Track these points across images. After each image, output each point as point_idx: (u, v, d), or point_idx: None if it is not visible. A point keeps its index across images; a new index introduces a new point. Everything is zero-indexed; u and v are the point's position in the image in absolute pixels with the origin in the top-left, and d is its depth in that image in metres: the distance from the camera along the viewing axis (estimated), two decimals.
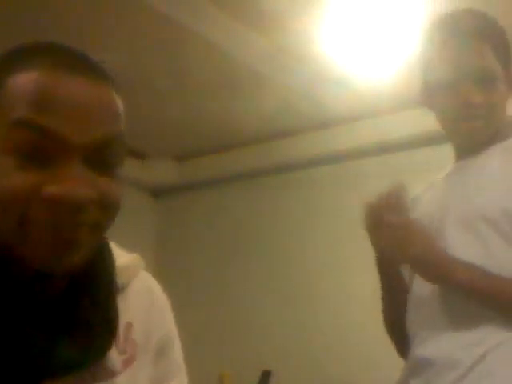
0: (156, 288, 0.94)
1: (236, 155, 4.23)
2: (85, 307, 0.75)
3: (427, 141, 3.51)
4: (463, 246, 1.28)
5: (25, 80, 0.69)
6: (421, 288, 1.36)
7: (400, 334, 1.46)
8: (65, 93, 0.68)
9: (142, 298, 0.88)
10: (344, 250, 3.76)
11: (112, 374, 0.77)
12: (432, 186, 1.52)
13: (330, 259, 3.81)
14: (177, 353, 0.94)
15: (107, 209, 0.71)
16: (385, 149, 3.69)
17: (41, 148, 0.67)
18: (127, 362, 0.80)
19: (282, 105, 3.55)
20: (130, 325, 0.82)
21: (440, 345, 1.29)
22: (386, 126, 3.60)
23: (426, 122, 3.57)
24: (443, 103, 1.40)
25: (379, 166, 3.73)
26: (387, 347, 3.78)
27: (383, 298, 1.50)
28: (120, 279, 0.82)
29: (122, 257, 0.85)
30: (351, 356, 3.60)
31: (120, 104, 0.74)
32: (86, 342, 0.72)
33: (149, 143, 4.26)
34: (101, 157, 0.70)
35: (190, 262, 4.39)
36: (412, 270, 1.37)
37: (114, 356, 0.77)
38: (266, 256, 4.11)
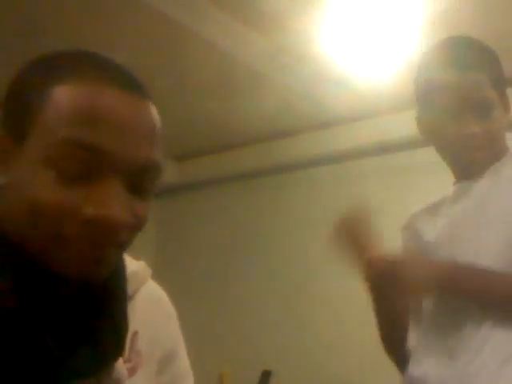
0: (163, 296, 0.94)
1: (236, 155, 4.23)
2: (96, 315, 0.74)
3: (427, 141, 3.51)
4: None
5: (72, 95, 0.67)
6: (435, 313, 1.37)
7: (401, 352, 1.46)
8: (112, 111, 0.67)
9: (149, 307, 0.87)
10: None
11: (118, 382, 0.77)
12: (434, 209, 1.52)
13: (330, 259, 3.80)
14: (182, 362, 0.94)
15: (134, 233, 0.72)
16: (385, 149, 3.69)
17: (85, 166, 0.66)
18: (131, 371, 0.80)
19: (282, 105, 3.55)
20: (136, 333, 0.82)
21: (433, 363, 1.31)
22: (386, 126, 3.59)
23: None
24: (443, 133, 1.44)
25: (379, 166, 3.73)
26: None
27: (381, 320, 1.50)
28: (129, 287, 0.82)
29: (131, 264, 0.85)
30: (351, 356, 3.60)
31: (159, 128, 0.74)
32: (95, 350, 0.72)
33: None
34: (140, 180, 0.70)
35: (189, 262, 4.39)
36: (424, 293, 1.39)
37: (120, 365, 0.77)
38: (266, 256, 4.11)
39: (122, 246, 0.72)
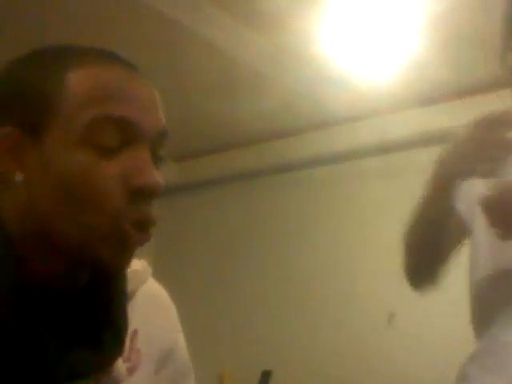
0: (163, 295, 0.93)
1: (236, 155, 4.23)
2: (96, 314, 0.74)
3: (427, 141, 3.51)
4: None
5: (89, 76, 0.70)
6: None
7: (433, 255, 1.31)
8: (133, 86, 0.72)
9: (149, 306, 0.87)
10: (344, 249, 3.76)
11: (117, 382, 0.77)
12: None
13: (330, 259, 3.81)
14: (182, 359, 0.93)
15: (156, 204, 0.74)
16: (385, 149, 3.69)
17: (119, 138, 0.69)
18: (130, 370, 0.80)
19: (281, 105, 3.55)
20: (135, 333, 0.82)
21: None
22: (386, 125, 3.60)
23: (426, 121, 3.61)
24: None
25: (379, 166, 3.73)
26: (386, 347, 3.77)
27: (419, 217, 1.34)
28: (129, 286, 0.81)
29: (132, 263, 0.85)
30: (351, 356, 3.60)
31: None
32: (94, 350, 0.72)
33: None
34: (158, 148, 0.74)
35: (189, 262, 4.39)
36: None
37: (120, 364, 0.77)
38: (266, 256, 4.11)
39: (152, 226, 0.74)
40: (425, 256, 1.33)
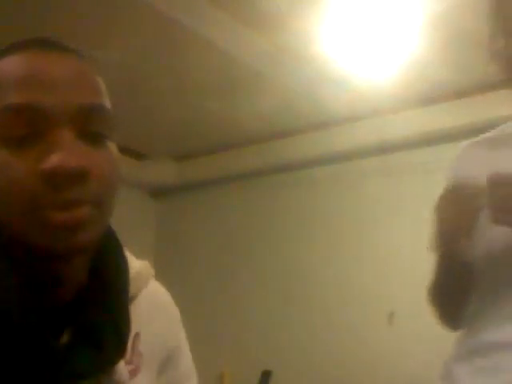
0: (166, 297, 0.93)
1: (235, 155, 4.23)
2: (97, 316, 0.74)
3: (427, 141, 3.51)
4: None
5: (2, 66, 0.70)
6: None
7: (454, 302, 1.33)
8: (42, 68, 0.69)
9: (151, 308, 0.86)
10: (344, 250, 3.76)
11: None
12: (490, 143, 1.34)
13: (330, 259, 3.81)
14: (185, 363, 0.93)
15: (104, 183, 0.70)
16: (385, 149, 3.69)
17: (28, 127, 0.67)
18: (132, 373, 0.80)
19: (281, 105, 3.55)
20: (137, 335, 0.81)
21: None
22: (386, 125, 3.60)
23: (426, 121, 3.61)
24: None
25: (379, 166, 3.73)
26: (386, 347, 3.76)
27: (441, 270, 1.33)
28: (131, 288, 0.81)
29: (134, 264, 0.84)
30: (350, 356, 3.60)
31: (100, 80, 0.74)
32: (96, 351, 0.71)
33: (148, 143, 4.26)
34: (89, 128, 0.70)
35: (189, 262, 4.39)
36: None
37: (122, 366, 0.77)
38: (266, 256, 4.11)
39: (97, 205, 0.70)
40: (458, 305, 1.35)
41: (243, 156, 4.20)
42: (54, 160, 0.66)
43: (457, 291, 1.32)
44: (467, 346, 1.25)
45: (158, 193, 4.72)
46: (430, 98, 3.42)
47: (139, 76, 3.23)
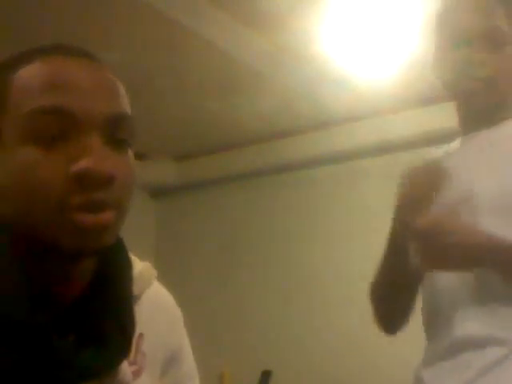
0: (168, 299, 0.94)
1: (235, 155, 4.23)
2: (102, 316, 0.74)
3: (428, 141, 3.51)
4: (501, 232, 1.19)
5: (30, 71, 0.71)
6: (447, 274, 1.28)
7: (392, 308, 1.41)
8: (71, 74, 0.71)
9: (154, 309, 0.87)
10: (344, 250, 3.76)
11: None
12: (448, 158, 1.40)
13: (331, 259, 3.81)
14: (187, 364, 0.93)
15: (125, 188, 0.73)
16: (385, 149, 3.69)
17: (57, 130, 0.69)
18: (136, 374, 0.80)
19: (281, 105, 3.55)
20: (141, 336, 0.82)
21: (477, 325, 1.23)
22: (386, 125, 3.59)
23: (427, 121, 3.60)
24: (444, 60, 1.32)
25: (379, 166, 3.73)
26: (387, 348, 3.77)
27: (383, 271, 1.41)
28: (134, 288, 0.81)
29: (136, 265, 0.85)
30: (351, 356, 3.60)
31: (123, 89, 0.77)
32: (101, 351, 0.72)
33: (148, 143, 4.26)
34: (115, 135, 0.72)
35: (189, 263, 4.38)
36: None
37: (125, 367, 0.77)
38: (266, 256, 4.11)
39: (119, 209, 0.72)
40: (396, 306, 1.40)
41: (243, 156, 4.19)
42: (84, 164, 0.68)
43: (399, 292, 1.38)
44: (431, 352, 1.36)
45: (158, 193, 4.72)
46: (431, 98, 3.42)
47: (139, 76, 3.22)
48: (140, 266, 0.86)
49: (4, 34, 2.69)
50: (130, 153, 0.76)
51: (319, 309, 3.79)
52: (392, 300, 1.40)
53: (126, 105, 0.76)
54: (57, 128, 0.69)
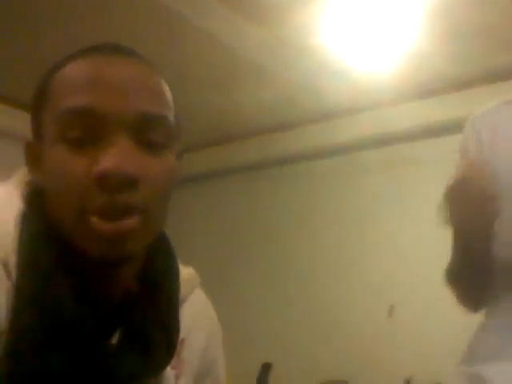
0: (209, 308, 0.94)
1: (236, 148, 4.23)
2: (146, 319, 0.74)
3: (428, 133, 3.51)
4: None
5: (70, 70, 0.71)
6: None
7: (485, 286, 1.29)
8: (109, 73, 0.70)
9: (196, 317, 0.86)
10: (344, 243, 3.77)
11: None
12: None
13: (331, 251, 3.82)
14: (221, 375, 0.93)
15: (154, 192, 0.70)
16: (385, 141, 3.70)
17: (88, 130, 0.68)
18: (176, 378, 0.80)
19: (282, 97, 3.55)
20: (182, 341, 0.81)
21: None
22: (387, 118, 3.60)
23: (427, 113, 3.61)
24: None
25: (380, 158, 3.73)
26: (385, 342, 3.77)
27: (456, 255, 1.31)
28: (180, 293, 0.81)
29: (182, 270, 0.84)
30: (350, 350, 3.61)
31: (166, 89, 0.75)
32: (145, 355, 0.71)
33: None
34: (148, 136, 0.70)
35: (189, 255, 4.35)
36: None
37: (168, 370, 0.77)
38: (267, 249, 4.11)
39: (146, 214, 0.69)
40: (476, 288, 1.32)
41: (244, 148, 4.19)
42: (105, 164, 0.66)
43: (475, 275, 1.30)
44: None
45: None
46: (430, 90, 3.42)
47: None
48: (184, 272, 0.85)
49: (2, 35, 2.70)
50: (169, 155, 0.73)
51: (319, 302, 3.80)
52: (472, 281, 1.32)
53: (164, 106, 0.73)
54: (84, 129, 0.68)
